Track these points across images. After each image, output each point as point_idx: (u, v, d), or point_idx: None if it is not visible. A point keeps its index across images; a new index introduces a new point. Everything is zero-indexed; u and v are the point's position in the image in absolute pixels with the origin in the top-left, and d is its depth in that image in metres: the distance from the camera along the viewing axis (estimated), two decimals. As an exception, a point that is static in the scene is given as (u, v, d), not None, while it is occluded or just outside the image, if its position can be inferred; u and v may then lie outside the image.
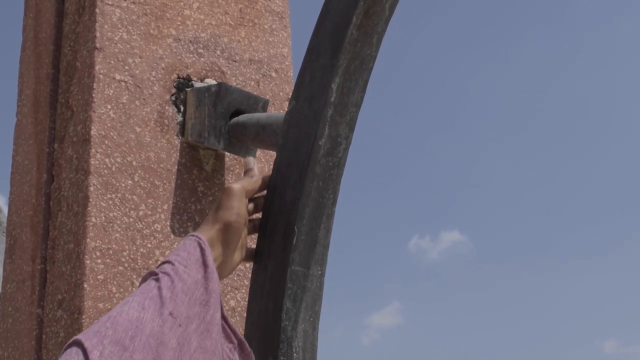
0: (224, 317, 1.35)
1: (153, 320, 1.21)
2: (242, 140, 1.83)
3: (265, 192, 1.54)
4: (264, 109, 1.88)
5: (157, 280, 1.29)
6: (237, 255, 1.45)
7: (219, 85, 1.83)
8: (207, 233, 1.39)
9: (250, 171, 1.50)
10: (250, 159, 1.51)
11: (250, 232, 1.52)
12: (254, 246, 1.52)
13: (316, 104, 1.57)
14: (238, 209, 1.42)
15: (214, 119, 1.82)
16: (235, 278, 1.83)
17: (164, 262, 1.32)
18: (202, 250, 1.35)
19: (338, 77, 1.57)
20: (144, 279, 1.30)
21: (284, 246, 1.52)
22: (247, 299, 1.57)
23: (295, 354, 1.49)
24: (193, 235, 1.37)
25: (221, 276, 1.38)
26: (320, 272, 1.56)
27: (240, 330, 1.80)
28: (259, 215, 1.53)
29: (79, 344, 1.11)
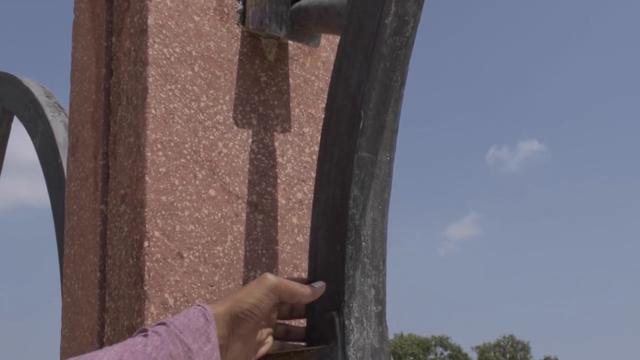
0: None
1: None
2: (305, 25, 1.74)
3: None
4: (328, -6, 1.78)
5: (145, 337, 1.19)
6: (245, 352, 1.31)
7: (279, -32, 1.73)
8: (216, 308, 1.27)
9: (304, 280, 1.40)
10: (322, 284, 1.39)
11: (278, 336, 1.40)
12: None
13: (381, -20, 1.47)
14: (258, 300, 1.29)
15: (274, 5, 1.73)
16: (301, 170, 1.77)
17: (158, 323, 1.23)
18: (206, 321, 1.24)
19: (403, -50, 1.47)
20: (132, 335, 1.22)
21: (349, 131, 1.44)
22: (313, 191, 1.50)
23: (363, 243, 1.42)
24: (199, 305, 1.26)
25: None
26: (388, 158, 1.48)
27: (308, 221, 1.74)
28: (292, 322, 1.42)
29: None
